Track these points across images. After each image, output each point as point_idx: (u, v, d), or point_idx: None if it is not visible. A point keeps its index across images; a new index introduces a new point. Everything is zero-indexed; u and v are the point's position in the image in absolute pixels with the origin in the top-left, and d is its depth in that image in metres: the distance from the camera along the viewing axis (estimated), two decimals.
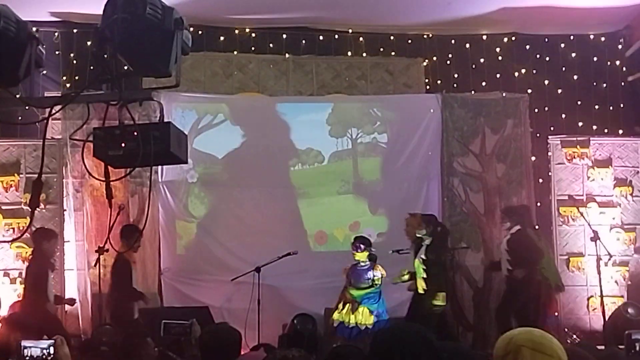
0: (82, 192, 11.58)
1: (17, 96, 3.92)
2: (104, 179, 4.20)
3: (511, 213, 11.03)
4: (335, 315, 10.58)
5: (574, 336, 11.78)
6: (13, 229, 11.05)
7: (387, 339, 3.27)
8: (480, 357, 4.21)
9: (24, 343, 6.15)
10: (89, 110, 4.13)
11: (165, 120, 3.90)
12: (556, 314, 12.10)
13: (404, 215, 11.06)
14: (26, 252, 10.95)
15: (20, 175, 11.16)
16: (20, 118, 9.77)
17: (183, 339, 6.31)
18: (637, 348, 6.06)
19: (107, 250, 10.38)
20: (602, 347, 9.15)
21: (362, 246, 10.61)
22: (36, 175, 3.64)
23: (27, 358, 6.09)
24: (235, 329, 5.31)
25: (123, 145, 3.76)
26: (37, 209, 10.70)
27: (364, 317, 10.43)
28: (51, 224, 11.12)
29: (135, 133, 3.74)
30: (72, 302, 10.80)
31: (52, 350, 5.92)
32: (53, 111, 3.94)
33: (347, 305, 10.55)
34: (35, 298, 9.90)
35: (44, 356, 6.03)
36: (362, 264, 10.64)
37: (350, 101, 12.98)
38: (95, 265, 10.75)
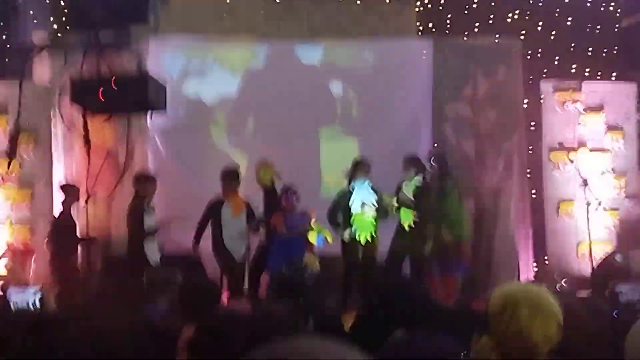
0: (72, 135, 11.47)
1: None
2: (87, 126, 4.17)
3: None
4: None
5: (563, 282, 11.83)
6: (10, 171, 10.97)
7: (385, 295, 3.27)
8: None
9: (10, 290, 6.12)
10: (66, 57, 4.08)
11: (152, 65, 3.83)
12: (545, 259, 12.17)
13: (395, 161, 10.97)
14: (15, 196, 10.93)
15: (8, 118, 11.06)
16: (7, 60, 9.68)
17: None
18: (621, 300, 6.08)
19: (95, 194, 10.32)
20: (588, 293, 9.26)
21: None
22: (24, 119, 3.57)
23: (14, 305, 6.08)
24: (214, 283, 5.29)
25: (101, 92, 3.72)
26: (25, 152, 10.75)
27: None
28: (40, 167, 11.09)
29: (113, 80, 3.70)
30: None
31: (39, 295, 5.91)
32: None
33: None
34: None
35: (30, 303, 6.02)
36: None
37: (342, 45, 12.87)
38: (83, 207, 10.67)
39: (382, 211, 10.49)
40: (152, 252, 9.90)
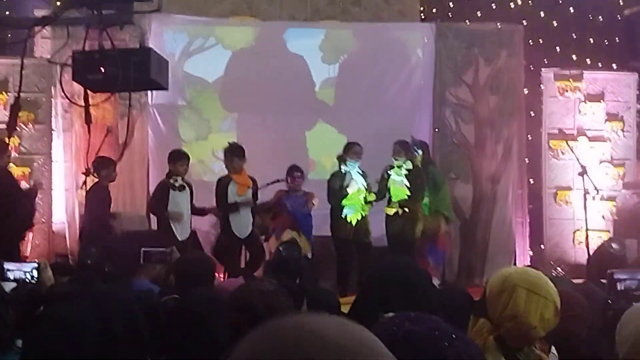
0: (71, 113, 11.48)
1: None
2: (89, 102, 4.18)
3: (407, 147, 10.74)
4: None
5: (559, 269, 11.87)
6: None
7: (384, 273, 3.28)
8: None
9: (6, 265, 6.10)
10: (68, 32, 4.08)
11: (155, 43, 3.83)
12: (542, 246, 12.21)
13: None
14: (14, 171, 10.91)
15: (9, 94, 11.06)
16: (9, 36, 9.66)
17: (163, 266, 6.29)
18: (619, 287, 6.09)
19: (94, 173, 10.33)
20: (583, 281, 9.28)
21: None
22: (24, 94, 3.58)
23: (11, 280, 6.06)
24: (209, 258, 5.31)
25: (103, 69, 3.73)
26: (25, 128, 10.76)
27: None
28: (39, 144, 11.11)
29: (115, 57, 3.70)
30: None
31: (35, 273, 5.89)
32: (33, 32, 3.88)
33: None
34: None
35: (27, 279, 6.00)
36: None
37: (344, 28, 12.86)
38: (82, 187, 10.69)
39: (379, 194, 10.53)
40: (181, 229, 9.92)
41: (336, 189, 10.48)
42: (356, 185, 10.47)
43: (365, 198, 10.47)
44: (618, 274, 5.79)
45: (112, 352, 2.80)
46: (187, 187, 10.05)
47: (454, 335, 1.66)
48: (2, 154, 9.55)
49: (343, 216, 10.42)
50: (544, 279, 2.90)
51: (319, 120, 12.69)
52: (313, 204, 10.58)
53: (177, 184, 9.93)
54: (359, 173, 10.51)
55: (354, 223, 10.42)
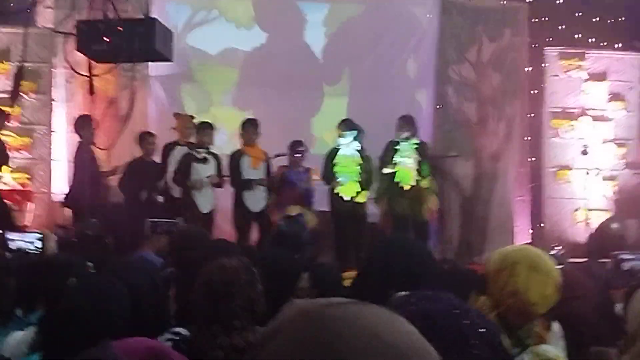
0: (73, 83, 11.43)
1: None
2: (91, 73, 4.16)
3: (412, 122, 10.68)
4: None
5: (558, 248, 11.87)
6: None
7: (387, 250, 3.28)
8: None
9: (9, 235, 6.10)
10: (73, 2, 4.05)
11: (158, 15, 3.80)
12: (541, 225, 12.22)
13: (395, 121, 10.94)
14: (15, 141, 10.92)
15: (11, 63, 11.00)
16: (12, 5, 9.61)
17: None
18: (625, 268, 6.11)
19: (95, 144, 10.31)
20: (584, 260, 9.30)
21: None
22: (26, 63, 3.56)
23: (14, 250, 6.06)
24: (205, 231, 5.29)
25: (107, 40, 3.70)
26: (26, 97, 10.74)
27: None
28: (40, 114, 11.07)
29: (120, 28, 3.68)
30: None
31: (39, 243, 5.89)
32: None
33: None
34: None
35: (29, 249, 5.99)
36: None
37: (348, 2, 12.79)
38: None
39: (367, 178, 10.47)
40: (204, 200, 9.92)
41: (327, 163, 10.43)
42: (346, 158, 10.37)
43: (360, 166, 10.36)
44: (623, 255, 5.83)
45: (140, 323, 2.82)
46: (211, 159, 10.01)
47: (472, 313, 1.66)
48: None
49: (337, 191, 10.37)
50: (544, 256, 2.90)
51: (322, 95, 12.66)
52: (313, 180, 10.56)
53: (199, 156, 9.91)
54: (357, 150, 10.39)
55: (347, 193, 10.34)
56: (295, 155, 10.44)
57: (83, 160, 9.83)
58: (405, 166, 10.31)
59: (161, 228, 6.56)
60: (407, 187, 10.30)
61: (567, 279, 2.92)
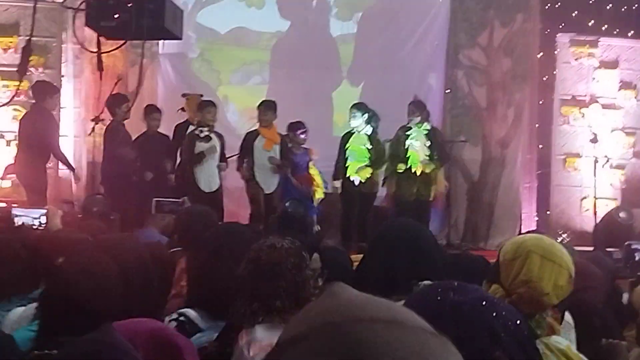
0: (82, 59, 11.40)
1: None
2: (101, 49, 4.13)
3: (423, 107, 10.68)
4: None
5: (564, 236, 11.84)
6: (11, 91, 10.91)
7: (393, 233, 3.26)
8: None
9: (15, 211, 6.11)
10: None
11: None
12: (548, 212, 12.19)
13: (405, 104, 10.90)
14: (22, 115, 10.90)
15: (20, 37, 10.96)
16: None
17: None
18: (637, 258, 6.08)
19: (103, 120, 10.28)
20: (591, 249, 9.27)
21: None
22: (35, 38, 3.53)
23: (19, 225, 6.05)
24: (211, 211, 5.26)
25: (116, 16, 3.66)
26: (35, 72, 10.70)
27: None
28: None
29: (130, 4, 3.64)
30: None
31: (43, 219, 5.88)
32: None
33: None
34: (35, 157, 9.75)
35: (34, 225, 5.99)
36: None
37: None
38: (90, 134, 10.65)
39: (377, 161, 10.47)
40: (206, 179, 9.91)
41: (340, 150, 10.45)
42: (358, 140, 10.40)
43: (370, 151, 10.36)
44: (636, 245, 5.79)
45: (130, 300, 2.80)
46: (215, 137, 10.00)
47: (500, 306, 1.62)
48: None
49: (347, 174, 10.38)
50: (558, 246, 2.87)
51: (333, 78, 12.63)
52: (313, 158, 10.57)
53: (202, 135, 9.91)
54: (367, 134, 10.40)
55: (358, 176, 10.35)
56: (298, 135, 10.41)
57: (114, 139, 9.86)
58: (415, 150, 10.31)
59: (167, 207, 6.54)
60: (417, 171, 10.31)
61: (577, 270, 2.89)
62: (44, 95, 9.91)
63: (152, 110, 10.52)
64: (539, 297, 2.71)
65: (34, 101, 10.10)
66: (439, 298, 1.56)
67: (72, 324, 2.47)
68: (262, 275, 2.98)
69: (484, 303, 1.59)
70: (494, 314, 1.57)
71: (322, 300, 1.15)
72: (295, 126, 10.43)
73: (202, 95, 10.68)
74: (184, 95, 10.75)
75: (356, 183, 10.30)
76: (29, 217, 6.07)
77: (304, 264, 3.09)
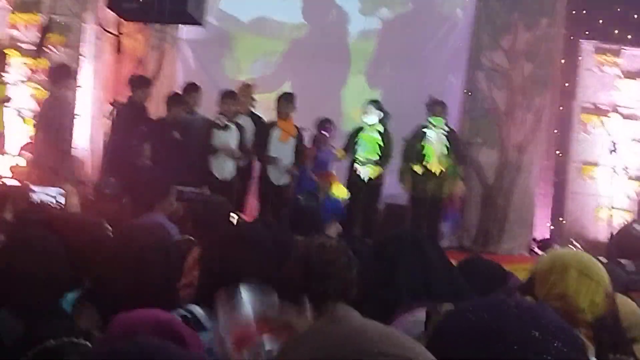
0: (103, 40, 11.36)
1: None
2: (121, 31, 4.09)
3: (443, 107, 10.70)
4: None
5: (578, 244, 11.76)
6: (31, 69, 10.91)
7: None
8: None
9: (33, 187, 6.08)
10: None
11: None
12: (562, 220, 12.11)
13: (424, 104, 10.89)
14: (41, 94, 10.89)
15: (42, 15, 10.92)
16: None
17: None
18: None
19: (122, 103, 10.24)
20: (603, 259, 9.18)
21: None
22: (57, 16, 3.49)
23: (37, 203, 6.02)
24: (226, 202, 5.23)
25: None
26: (55, 50, 10.68)
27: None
28: None
29: None
30: None
31: (61, 199, 5.84)
32: None
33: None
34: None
35: (52, 202, 5.95)
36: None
37: None
38: (109, 116, 10.59)
39: (386, 158, 10.48)
40: (221, 167, 9.89)
41: (349, 141, 10.51)
42: (369, 137, 10.39)
43: (380, 147, 10.36)
44: None
45: (142, 289, 2.77)
46: (233, 127, 9.97)
47: (545, 321, 1.49)
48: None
49: (354, 168, 10.36)
50: (597, 263, 2.82)
51: (351, 73, 12.59)
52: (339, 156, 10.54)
53: (221, 123, 9.89)
54: (379, 131, 10.41)
55: (366, 173, 10.33)
56: (323, 133, 10.40)
57: (127, 118, 9.81)
58: (431, 144, 10.31)
59: (187, 196, 6.47)
60: (432, 167, 10.31)
61: None
62: (59, 80, 9.87)
63: (192, 89, 10.41)
64: (574, 313, 2.65)
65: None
66: (469, 317, 1.45)
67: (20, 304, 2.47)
68: (313, 274, 2.93)
69: (523, 319, 1.47)
70: (538, 333, 1.45)
71: (326, 327, 1.12)
72: (323, 124, 10.43)
73: (250, 86, 10.73)
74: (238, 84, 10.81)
75: (363, 177, 10.31)
76: (46, 194, 6.04)
77: (353, 263, 3.04)
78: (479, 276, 3.42)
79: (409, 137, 10.57)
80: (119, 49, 3.86)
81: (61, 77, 9.89)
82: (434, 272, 3.10)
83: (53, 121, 9.68)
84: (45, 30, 3.44)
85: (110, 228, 3.99)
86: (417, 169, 10.38)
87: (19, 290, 2.82)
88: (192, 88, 10.32)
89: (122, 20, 3.74)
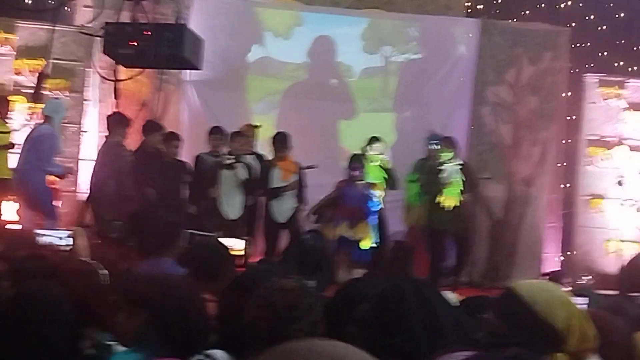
0: (107, 84, 11.35)
1: None
2: (118, 76, 4.11)
3: (455, 143, 10.69)
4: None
5: (587, 278, 11.68)
6: (35, 113, 10.94)
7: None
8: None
9: (39, 231, 6.06)
10: (103, 1, 3.98)
11: (197, 19, 3.70)
12: (569, 253, 12.05)
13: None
14: None
15: (48, 60, 10.99)
16: (52, 2, 9.59)
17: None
18: None
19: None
20: (614, 292, 9.10)
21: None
22: (63, 62, 3.50)
23: (44, 246, 6.00)
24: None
25: (134, 44, 3.61)
26: (61, 96, 10.71)
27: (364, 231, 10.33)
28: (73, 113, 11.08)
29: (148, 33, 3.59)
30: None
31: (70, 240, 5.83)
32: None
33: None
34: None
35: (60, 246, 5.94)
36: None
37: (387, 18, 12.72)
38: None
39: (392, 183, 10.57)
40: (230, 207, 9.88)
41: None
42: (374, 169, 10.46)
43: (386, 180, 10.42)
44: None
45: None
46: (239, 166, 9.98)
47: None
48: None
49: None
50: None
51: (357, 111, 12.60)
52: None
53: (225, 162, 9.92)
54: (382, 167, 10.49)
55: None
56: (352, 173, 10.35)
57: (110, 158, 9.80)
58: (452, 186, 10.31)
59: (196, 240, 6.41)
60: (450, 205, 10.32)
61: (596, 324, 2.79)
62: (112, 125, 9.90)
63: (172, 137, 10.45)
64: None
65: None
66: None
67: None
68: (278, 320, 2.87)
69: None
70: None
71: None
72: (353, 161, 10.40)
73: (256, 126, 10.89)
74: (247, 125, 10.87)
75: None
76: (54, 237, 6.03)
77: (317, 302, 2.99)
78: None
79: (419, 168, 10.64)
80: (115, 94, 3.89)
81: (116, 124, 9.92)
82: (440, 317, 3.03)
83: (104, 167, 9.72)
84: (42, 76, 3.47)
85: (107, 272, 3.94)
86: (449, 202, 10.37)
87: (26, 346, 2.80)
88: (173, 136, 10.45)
89: (120, 65, 3.79)
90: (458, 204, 10.37)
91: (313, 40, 12.55)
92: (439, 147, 10.55)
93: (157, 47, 3.59)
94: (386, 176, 10.48)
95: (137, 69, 3.93)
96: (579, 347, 2.64)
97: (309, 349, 1.19)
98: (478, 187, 10.98)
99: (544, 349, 2.56)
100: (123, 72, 4.21)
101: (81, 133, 11.25)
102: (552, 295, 2.70)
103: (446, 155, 10.40)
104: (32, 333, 2.84)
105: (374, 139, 10.58)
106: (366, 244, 10.16)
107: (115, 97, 4.10)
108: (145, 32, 3.67)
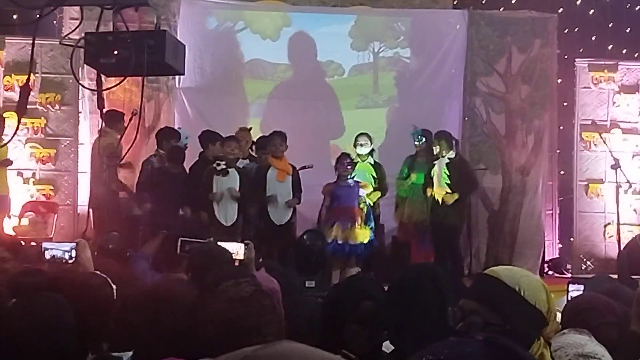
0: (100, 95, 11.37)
1: None
2: (101, 86, 4.12)
3: (449, 137, 10.65)
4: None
5: (588, 263, 11.69)
6: (28, 128, 10.96)
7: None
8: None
9: (45, 245, 6.08)
10: (82, 13, 3.97)
11: (183, 26, 3.69)
12: (572, 239, 12.05)
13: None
14: (40, 153, 10.95)
15: (36, 75, 10.98)
16: (38, 16, 9.53)
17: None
18: None
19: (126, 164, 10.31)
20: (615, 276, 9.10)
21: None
22: (53, 75, 3.49)
23: (48, 259, 6.02)
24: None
25: (115, 52, 3.61)
26: (51, 109, 10.70)
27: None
28: (66, 126, 11.07)
29: (129, 41, 3.60)
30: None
31: (73, 253, 5.82)
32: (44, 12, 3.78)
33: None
34: None
35: (64, 259, 5.95)
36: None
37: (374, 14, 12.74)
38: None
39: (383, 187, 10.58)
40: (226, 213, 9.89)
41: None
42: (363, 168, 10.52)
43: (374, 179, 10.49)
44: None
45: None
46: (232, 172, 9.97)
47: None
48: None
49: None
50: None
51: (345, 108, 12.61)
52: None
53: (219, 168, 9.90)
54: (370, 164, 10.51)
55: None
56: (342, 169, 10.33)
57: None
58: (439, 179, 10.30)
59: (189, 246, 6.36)
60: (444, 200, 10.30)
61: (591, 306, 2.80)
62: (107, 122, 9.88)
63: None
64: None
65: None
66: None
67: None
68: (239, 332, 2.58)
69: None
70: None
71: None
72: (342, 158, 10.39)
73: (250, 129, 10.94)
74: (241, 128, 10.84)
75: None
76: (58, 249, 6.03)
77: (277, 303, 2.84)
78: None
79: (409, 165, 10.64)
80: (99, 105, 3.88)
81: (112, 121, 9.94)
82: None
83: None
84: (23, 90, 3.49)
85: (114, 287, 3.93)
86: (449, 198, 10.32)
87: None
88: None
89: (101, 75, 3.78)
90: (448, 201, 10.31)
91: (291, 39, 12.57)
92: (423, 141, 10.56)
93: (137, 54, 3.58)
94: (375, 175, 10.50)
95: (119, 78, 3.93)
96: (552, 329, 2.65)
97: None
98: (476, 185, 10.92)
99: (531, 333, 2.56)
100: (109, 82, 4.20)
101: (77, 145, 11.22)
102: (532, 279, 2.69)
103: (443, 148, 10.37)
104: (38, 346, 2.83)
105: (361, 136, 10.62)
106: (361, 241, 10.16)
107: (99, 107, 4.07)
108: (126, 41, 3.64)
